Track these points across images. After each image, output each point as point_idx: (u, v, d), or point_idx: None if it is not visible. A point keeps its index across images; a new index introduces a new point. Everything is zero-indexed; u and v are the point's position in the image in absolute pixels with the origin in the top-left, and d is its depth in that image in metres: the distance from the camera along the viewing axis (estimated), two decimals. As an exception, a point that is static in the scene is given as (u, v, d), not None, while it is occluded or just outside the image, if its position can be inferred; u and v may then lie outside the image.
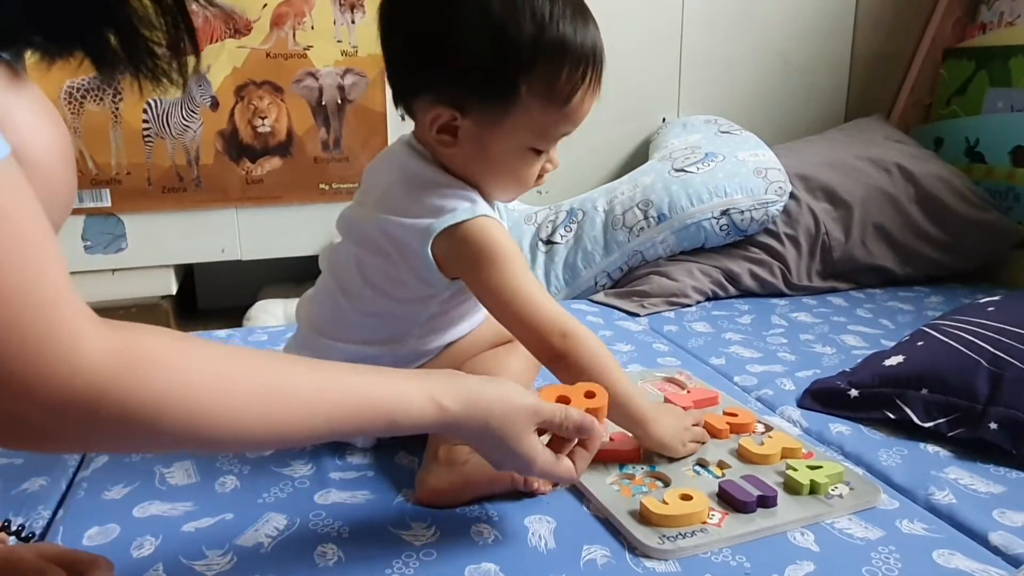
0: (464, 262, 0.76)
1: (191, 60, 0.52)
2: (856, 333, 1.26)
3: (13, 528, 0.65)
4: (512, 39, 0.69)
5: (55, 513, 0.74)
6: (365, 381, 0.57)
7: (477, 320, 0.88)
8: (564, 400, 0.67)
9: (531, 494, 0.76)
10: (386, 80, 0.79)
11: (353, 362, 0.75)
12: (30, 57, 0.52)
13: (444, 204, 0.76)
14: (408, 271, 0.78)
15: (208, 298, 1.84)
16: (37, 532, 0.70)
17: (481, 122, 0.74)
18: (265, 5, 1.50)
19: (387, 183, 0.80)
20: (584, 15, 0.74)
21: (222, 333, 1.26)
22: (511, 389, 0.63)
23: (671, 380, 1.02)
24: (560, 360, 0.74)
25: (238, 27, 1.50)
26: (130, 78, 0.50)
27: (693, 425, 0.84)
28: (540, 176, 0.80)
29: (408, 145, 0.81)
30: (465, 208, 0.76)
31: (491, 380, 0.64)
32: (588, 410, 0.66)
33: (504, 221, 0.82)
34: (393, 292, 0.80)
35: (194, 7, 0.50)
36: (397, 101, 0.78)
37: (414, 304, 0.81)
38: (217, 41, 1.49)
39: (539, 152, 0.77)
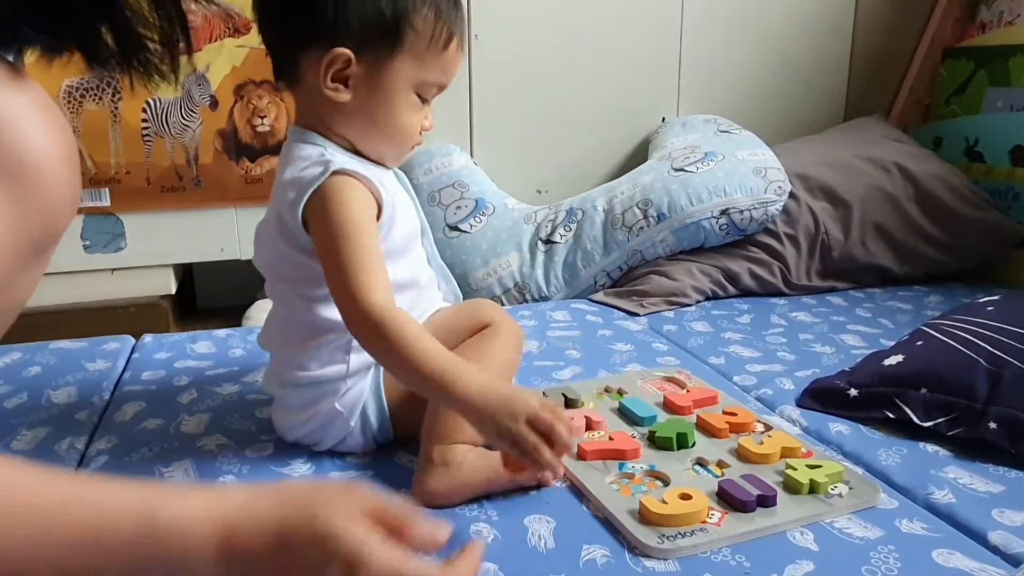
0: (317, 226, 0.78)
1: (185, 57, 0.52)
2: (855, 332, 1.26)
3: None
4: None
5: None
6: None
7: (423, 284, 0.89)
8: None
9: (536, 486, 0.77)
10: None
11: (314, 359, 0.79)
12: (29, 56, 0.52)
13: (303, 175, 0.78)
14: (302, 254, 0.80)
15: (207, 297, 1.84)
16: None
17: (372, 64, 0.78)
18: (264, 4, 1.50)
19: (277, 180, 0.84)
20: None
21: (221, 332, 1.26)
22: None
23: (670, 379, 1.03)
24: (370, 347, 0.74)
25: (237, 26, 1.50)
26: (123, 74, 0.50)
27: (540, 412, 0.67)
28: (421, 132, 0.84)
29: (288, 136, 0.85)
30: (318, 173, 0.78)
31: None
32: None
33: (403, 193, 0.87)
34: (301, 282, 0.82)
35: (192, 6, 0.50)
36: (280, 70, 0.82)
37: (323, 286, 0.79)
38: (216, 40, 1.49)
39: (422, 100, 0.82)
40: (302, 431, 0.85)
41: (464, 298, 1.02)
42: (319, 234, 0.77)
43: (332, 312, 0.78)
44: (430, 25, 0.79)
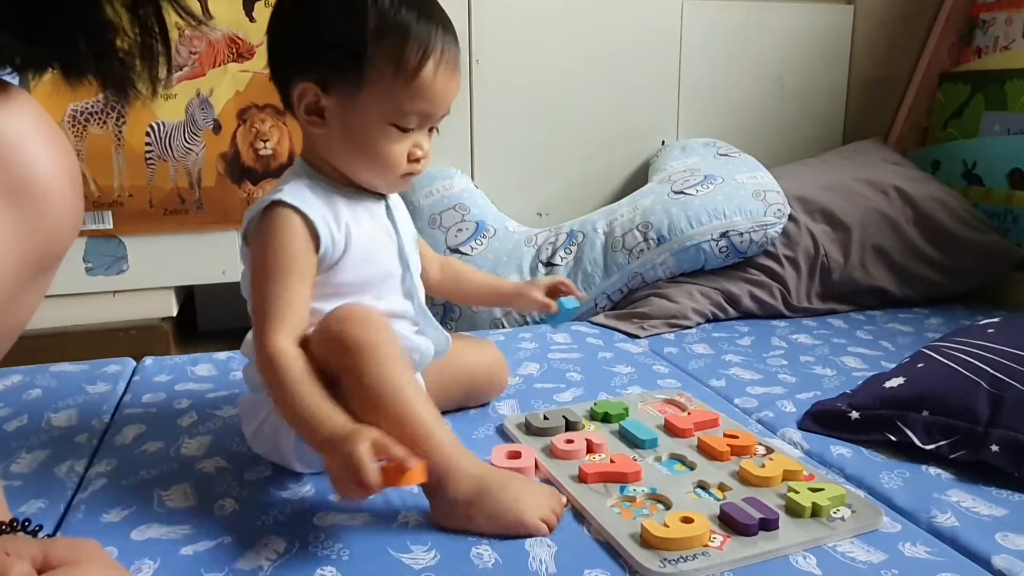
0: (249, 254, 0.80)
1: (164, 70, 0.51)
2: (856, 355, 1.26)
3: (19, 525, 0.64)
4: (360, 19, 0.76)
5: (54, 535, 0.74)
6: None
7: (397, 320, 0.86)
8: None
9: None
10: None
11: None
12: (34, 81, 0.52)
13: (256, 203, 0.80)
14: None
15: (208, 320, 1.84)
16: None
17: (341, 98, 0.78)
18: (268, 30, 1.52)
19: None
20: (428, 10, 0.79)
21: (222, 355, 1.26)
22: None
23: (671, 402, 1.02)
24: (265, 381, 0.75)
25: (241, 51, 1.51)
26: (101, 87, 0.50)
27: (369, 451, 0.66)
28: (415, 161, 0.82)
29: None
30: (264, 202, 0.78)
31: None
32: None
33: (380, 232, 0.85)
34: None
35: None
36: (282, 100, 0.83)
37: None
38: (220, 65, 1.51)
39: (402, 130, 0.80)
40: (260, 447, 0.86)
41: (465, 320, 1.03)
42: (248, 262, 0.80)
43: None
44: (395, 54, 0.77)
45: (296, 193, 0.79)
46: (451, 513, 0.73)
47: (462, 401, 1.02)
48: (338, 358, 0.74)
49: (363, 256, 0.82)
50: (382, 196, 0.88)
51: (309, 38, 0.78)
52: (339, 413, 0.70)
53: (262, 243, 0.77)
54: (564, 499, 0.78)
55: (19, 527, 0.60)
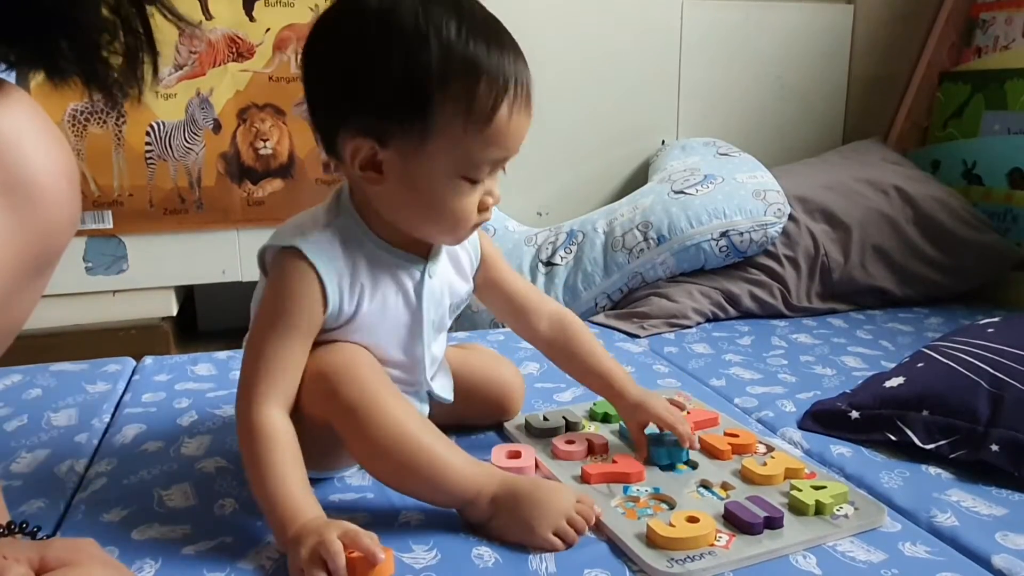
0: (259, 293, 0.76)
1: (150, 72, 0.51)
2: (856, 354, 1.26)
3: (16, 528, 0.65)
4: (421, 58, 0.66)
5: (53, 536, 0.74)
6: None
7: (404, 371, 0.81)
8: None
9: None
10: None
11: None
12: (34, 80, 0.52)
13: (277, 233, 0.74)
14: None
15: (208, 319, 1.84)
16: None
17: (402, 151, 0.69)
18: (268, 29, 1.52)
19: None
20: (499, 37, 0.69)
21: (222, 355, 1.25)
22: None
23: (671, 401, 1.02)
24: (240, 441, 0.71)
25: (241, 51, 1.51)
26: (86, 88, 0.49)
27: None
28: (484, 210, 0.74)
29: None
30: (285, 233, 0.73)
31: None
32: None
33: (426, 294, 0.78)
34: None
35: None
36: (327, 152, 0.73)
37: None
38: (220, 65, 1.51)
39: (472, 181, 0.71)
40: None
41: (465, 319, 1.01)
42: (258, 297, 0.76)
43: None
44: (465, 97, 0.67)
45: (318, 246, 0.72)
46: (477, 530, 0.73)
47: (473, 418, 0.96)
48: (331, 417, 0.72)
49: (367, 326, 0.76)
50: (424, 258, 0.78)
51: (360, 83, 0.67)
52: (315, 507, 0.67)
53: (274, 290, 0.72)
54: (592, 501, 0.74)
55: (17, 529, 0.60)
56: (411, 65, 0.66)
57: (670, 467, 0.84)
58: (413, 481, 0.72)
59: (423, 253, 0.79)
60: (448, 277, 0.82)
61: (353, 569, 0.62)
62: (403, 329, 0.78)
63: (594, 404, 0.99)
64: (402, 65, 0.66)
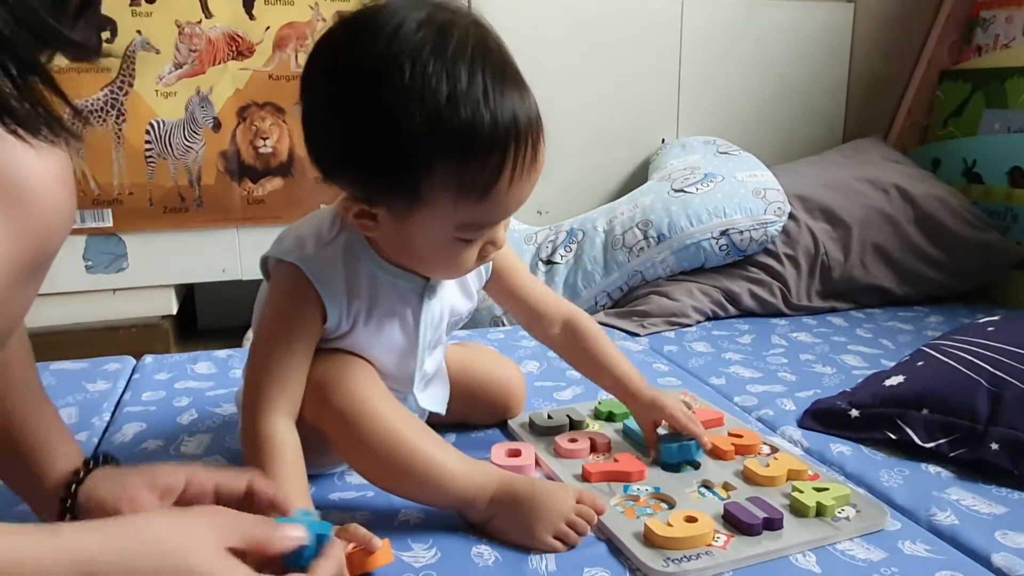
0: (261, 299, 0.77)
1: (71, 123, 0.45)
2: (856, 353, 1.26)
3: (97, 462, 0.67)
4: (404, 131, 0.60)
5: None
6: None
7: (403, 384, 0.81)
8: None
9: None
10: None
11: None
12: None
13: (282, 238, 0.75)
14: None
15: (208, 318, 1.84)
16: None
17: (393, 215, 0.67)
18: (268, 28, 1.52)
19: None
20: (503, 82, 0.62)
21: (222, 353, 1.25)
22: None
23: (672, 400, 1.02)
24: (243, 448, 0.71)
25: (241, 49, 1.51)
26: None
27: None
28: (484, 257, 0.72)
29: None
30: (288, 244, 0.73)
31: None
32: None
33: (425, 311, 0.77)
34: None
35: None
36: (324, 182, 0.70)
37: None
38: (220, 63, 1.50)
39: (469, 240, 0.69)
40: None
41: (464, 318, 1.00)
42: (259, 306, 0.77)
43: None
44: (455, 177, 0.62)
45: (319, 266, 0.72)
46: (477, 530, 0.73)
47: (476, 417, 0.97)
48: (323, 425, 0.73)
49: (360, 344, 0.76)
50: (425, 279, 0.77)
51: (345, 144, 0.64)
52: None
53: (276, 305, 0.73)
54: (597, 498, 0.74)
55: (102, 462, 0.66)
56: (395, 137, 0.61)
57: (676, 467, 0.84)
58: (409, 486, 0.73)
59: (423, 279, 0.78)
60: (450, 298, 0.82)
61: (352, 562, 0.63)
62: (397, 350, 0.78)
63: (599, 402, 0.99)
64: (386, 137, 0.62)
